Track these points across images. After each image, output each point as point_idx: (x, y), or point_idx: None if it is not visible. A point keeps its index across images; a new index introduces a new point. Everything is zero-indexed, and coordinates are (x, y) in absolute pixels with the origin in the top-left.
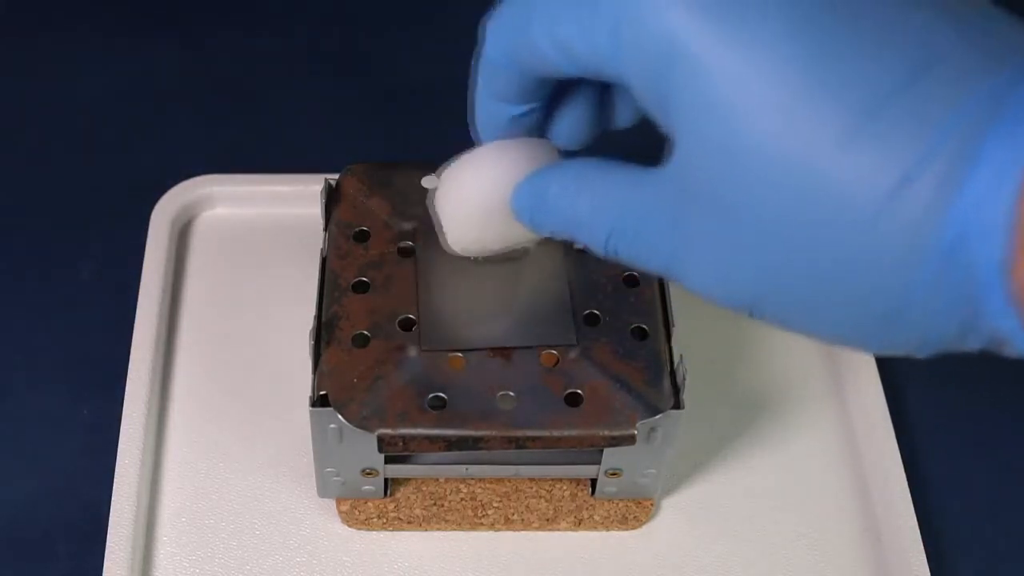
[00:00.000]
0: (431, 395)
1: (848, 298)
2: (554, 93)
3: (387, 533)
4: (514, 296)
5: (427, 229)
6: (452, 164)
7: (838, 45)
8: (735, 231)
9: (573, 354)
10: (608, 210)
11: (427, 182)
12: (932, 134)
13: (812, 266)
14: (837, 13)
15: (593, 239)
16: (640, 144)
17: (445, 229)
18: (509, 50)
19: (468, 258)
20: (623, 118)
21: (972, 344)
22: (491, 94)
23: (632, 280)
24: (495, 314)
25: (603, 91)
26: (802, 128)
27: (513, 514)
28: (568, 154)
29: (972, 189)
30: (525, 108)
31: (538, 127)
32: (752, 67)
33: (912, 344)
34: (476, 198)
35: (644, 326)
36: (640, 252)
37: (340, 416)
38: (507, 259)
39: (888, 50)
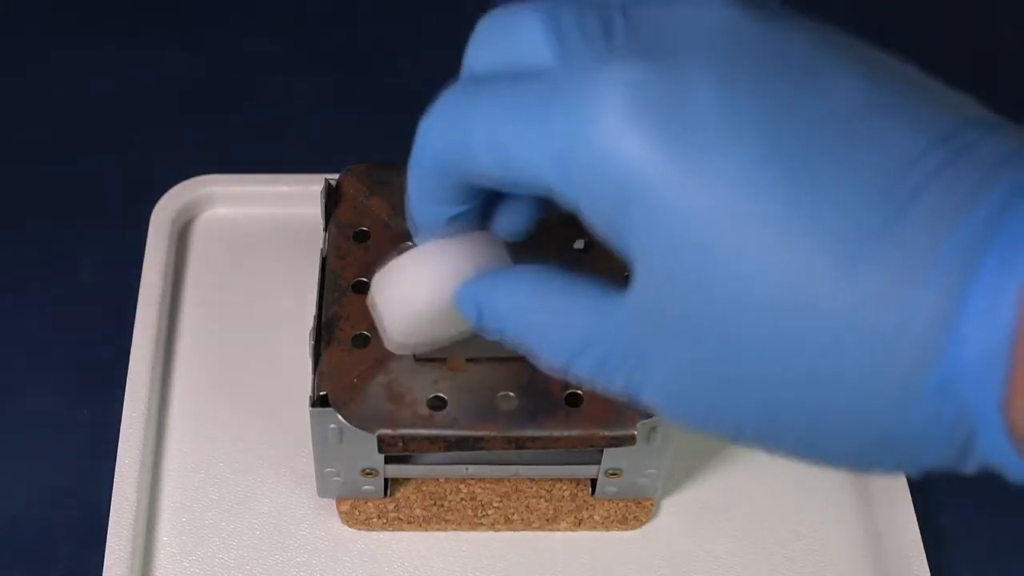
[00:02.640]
0: (431, 395)
1: (838, 431)
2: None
3: (387, 533)
4: None
5: None
6: (390, 264)
7: (815, 176)
8: (713, 365)
9: None
10: (566, 338)
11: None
12: (920, 273)
13: (796, 401)
14: (808, 137)
15: (550, 360)
16: None
17: (386, 330)
18: (443, 155)
19: None
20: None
21: (969, 470)
22: (425, 196)
23: None
24: None
25: None
26: (786, 272)
27: (513, 514)
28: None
29: (963, 329)
30: (461, 209)
31: (477, 222)
32: (723, 204)
33: (904, 469)
34: (417, 302)
35: None
36: (604, 380)
37: (340, 416)
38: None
39: (869, 180)
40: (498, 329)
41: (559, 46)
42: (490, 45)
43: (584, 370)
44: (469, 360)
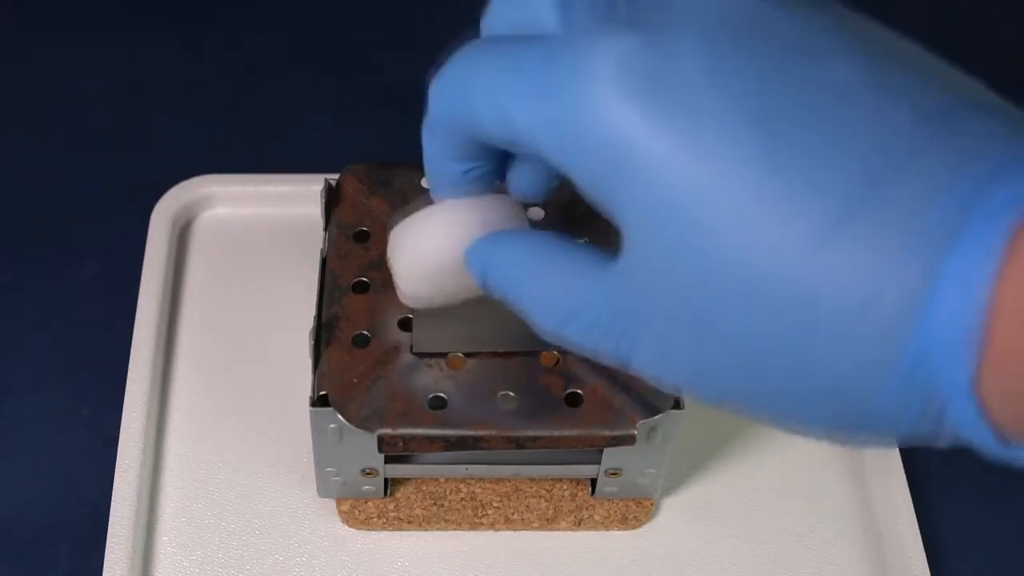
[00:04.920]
0: (431, 395)
1: (814, 402)
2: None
3: (387, 533)
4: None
5: None
6: (406, 219)
7: (799, 150)
8: (696, 333)
9: (573, 354)
10: (557, 304)
11: (427, 182)
12: (897, 247)
13: (775, 371)
14: (797, 114)
15: (543, 324)
16: None
17: (399, 282)
18: (450, 113)
19: None
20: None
21: (942, 444)
22: (439, 151)
23: None
24: (487, 318)
25: None
26: (766, 240)
27: (513, 514)
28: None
29: (936, 306)
30: (473, 167)
31: (492, 181)
32: (709, 174)
33: (880, 442)
34: (428, 257)
35: None
36: (593, 345)
37: (340, 416)
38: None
39: (852, 154)
40: (499, 290)
41: (564, 15)
42: (505, 9)
43: (574, 336)
44: (468, 355)
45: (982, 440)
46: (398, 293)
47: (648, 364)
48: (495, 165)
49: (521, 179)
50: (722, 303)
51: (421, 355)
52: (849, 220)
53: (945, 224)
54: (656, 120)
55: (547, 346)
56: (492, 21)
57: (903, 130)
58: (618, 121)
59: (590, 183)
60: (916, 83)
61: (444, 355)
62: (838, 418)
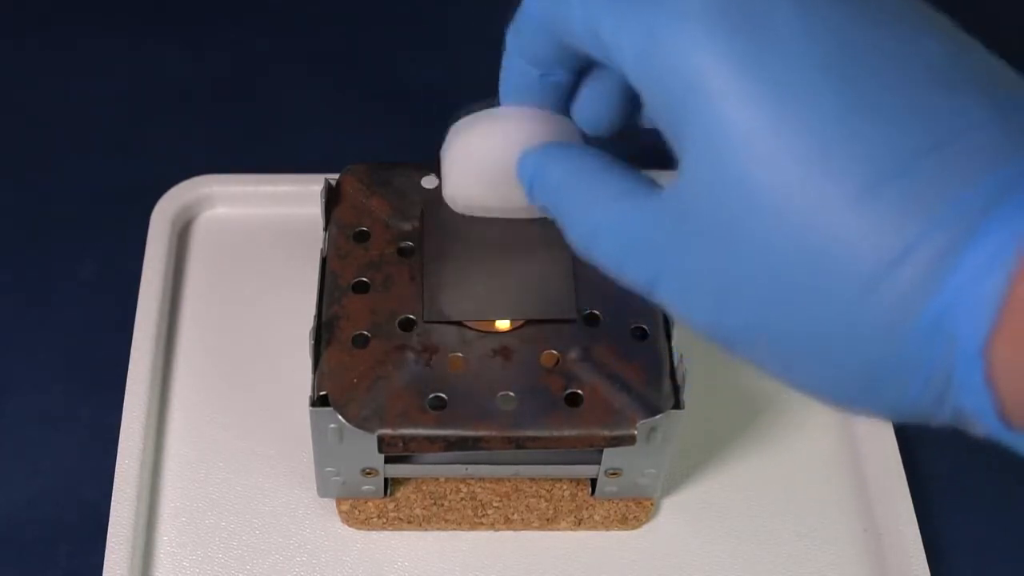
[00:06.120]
0: (431, 395)
1: (828, 354)
2: (585, 68)
3: (387, 533)
4: (517, 270)
5: (430, 217)
6: (468, 117)
7: (864, 105)
8: (730, 269)
9: (573, 354)
10: (599, 216)
11: (427, 182)
12: (939, 208)
13: (799, 318)
14: (871, 70)
15: (578, 237)
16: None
17: (449, 180)
18: (542, 14)
19: (471, 233)
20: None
21: (941, 418)
22: (520, 53)
23: None
24: (498, 288)
25: None
26: (818, 184)
27: (513, 514)
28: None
29: (965, 267)
30: (552, 73)
31: (563, 99)
32: (774, 115)
33: (884, 409)
34: (484, 155)
35: (644, 326)
36: (621, 268)
37: (340, 416)
38: (509, 223)
39: (913, 116)
40: (544, 200)
41: None
42: None
43: (605, 254)
44: (467, 356)
45: (983, 410)
46: (445, 192)
47: (672, 295)
48: (570, 78)
49: (588, 107)
50: (760, 242)
51: (423, 360)
52: (896, 176)
53: (992, 193)
54: (738, 54)
55: (556, 314)
56: None
57: (967, 105)
58: (700, 48)
59: (660, 105)
60: (984, 70)
61: (447, 354)
62: (848, 375)
